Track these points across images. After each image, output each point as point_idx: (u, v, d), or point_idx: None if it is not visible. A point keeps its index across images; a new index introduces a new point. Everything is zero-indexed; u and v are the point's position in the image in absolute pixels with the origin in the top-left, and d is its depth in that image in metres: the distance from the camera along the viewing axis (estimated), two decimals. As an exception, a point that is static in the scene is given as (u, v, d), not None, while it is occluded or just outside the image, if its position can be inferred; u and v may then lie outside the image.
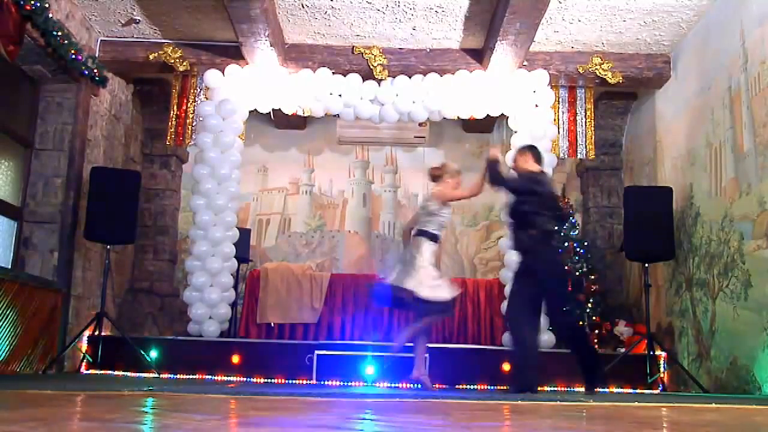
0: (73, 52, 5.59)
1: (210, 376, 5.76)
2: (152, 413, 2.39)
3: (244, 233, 7.12)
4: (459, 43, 6.59)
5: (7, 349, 5.08)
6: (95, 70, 6.02)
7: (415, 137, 8.31)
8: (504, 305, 6.38)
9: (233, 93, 6.54)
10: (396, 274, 4.91)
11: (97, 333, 5.83)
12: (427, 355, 5.63)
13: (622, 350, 6.17)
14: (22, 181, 6.00)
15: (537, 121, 6.48)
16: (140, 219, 6.99)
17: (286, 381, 5.70)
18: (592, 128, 6.80)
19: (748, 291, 4.99)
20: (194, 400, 3.04)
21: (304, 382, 5.69)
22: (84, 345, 5.96)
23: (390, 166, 8.60)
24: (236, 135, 6.63)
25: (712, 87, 5.69)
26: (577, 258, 7.17)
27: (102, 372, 5.78)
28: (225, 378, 5.75)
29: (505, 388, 5.26)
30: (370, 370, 5.65)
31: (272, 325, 6.53)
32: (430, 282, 4.85)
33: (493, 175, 4.71)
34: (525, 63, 6.53)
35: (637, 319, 6.83)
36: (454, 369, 5.79)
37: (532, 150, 4.84)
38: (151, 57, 6.61)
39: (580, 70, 6.61)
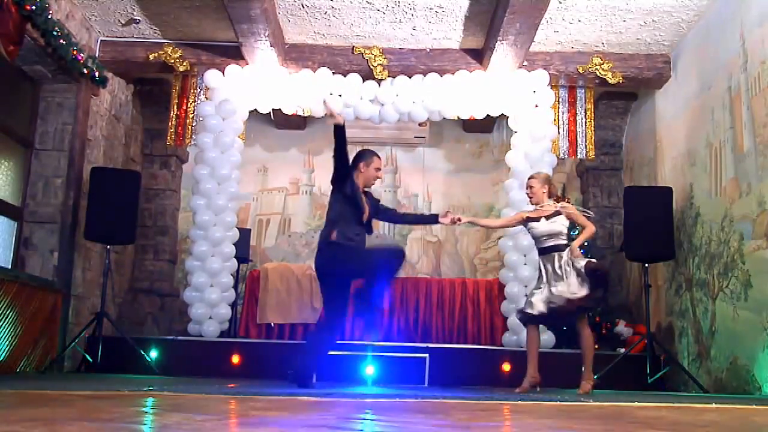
0: (73, 52, 5.59)
1: (210, 376, 5.75)
2: (152, 413, 2.39)
3: (244, 233, 7.12)
4: (459, 43, 6.58)
5: (7, 349, 5.08)
6: (95, 70, 6.02)
7: (415, 137, 8.31)
8: (504, 305, 6.38)
9: (233, 93, 6.54)
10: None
11: (97, 333, 5.83)
12: (426, 355, 5.63)
13: (622, 350, 6.17)
14: (22, 181, 6.00)
15: (537, 121, 6.48)
16: (140, 219, 6.99)
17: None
18: (592, 128, 6.80)
19: (748, 291, 4.99)
20: (194, 400, 3.03)
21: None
22: (84, 345, 5.96)
23: (390, 166, 8.59)
24: (236, 135, 6.63)
25: (712, 87, 5.68)
26: (577, 258, 7.16)
27: (102, 372, 5.78)
28: (225, 378, 5.74)
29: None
30: (370, 370, 5.64)
31: (272, 325, 6.53)
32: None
33: None
34: (525, 63, 6.53)
35: (637, 319, 6.83)
36: (454, 369, 5.79)
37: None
38: (151, 57, 6.61)
39: (580, 70, 6.61)
